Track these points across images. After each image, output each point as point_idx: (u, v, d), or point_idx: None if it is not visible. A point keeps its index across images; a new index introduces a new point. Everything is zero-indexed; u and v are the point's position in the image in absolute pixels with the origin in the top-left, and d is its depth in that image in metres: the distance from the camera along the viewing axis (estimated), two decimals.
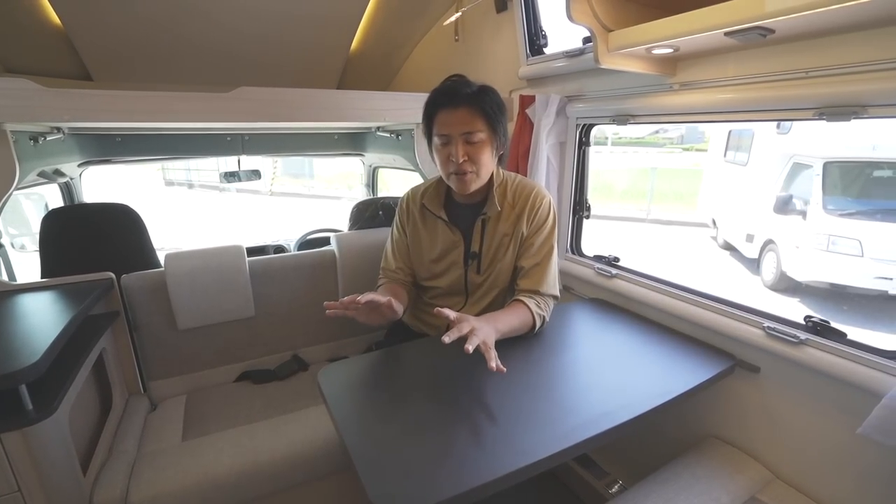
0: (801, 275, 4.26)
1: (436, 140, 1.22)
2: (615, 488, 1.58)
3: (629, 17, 1.14)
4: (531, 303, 1.23)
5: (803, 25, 0.89)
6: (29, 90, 1.18)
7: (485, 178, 1.25)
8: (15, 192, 1.33)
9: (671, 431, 1.40)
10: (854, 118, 0.91)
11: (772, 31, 0.89)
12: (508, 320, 1.17)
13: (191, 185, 12.63)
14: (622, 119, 1.46)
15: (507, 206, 1.30)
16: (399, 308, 1.26)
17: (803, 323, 1.10)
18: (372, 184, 2.99)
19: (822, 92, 0.95)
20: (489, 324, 1.07)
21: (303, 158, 10.19)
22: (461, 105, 1.17)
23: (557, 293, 1.31)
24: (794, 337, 1.07)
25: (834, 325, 1.05)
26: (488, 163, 1.22)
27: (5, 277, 1.33)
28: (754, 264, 5.00)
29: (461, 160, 1.18)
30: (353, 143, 2.66)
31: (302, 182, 12.44)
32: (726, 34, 0.92)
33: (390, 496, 0.72)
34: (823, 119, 0.95)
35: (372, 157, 2.81)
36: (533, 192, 1.30)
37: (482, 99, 1.17)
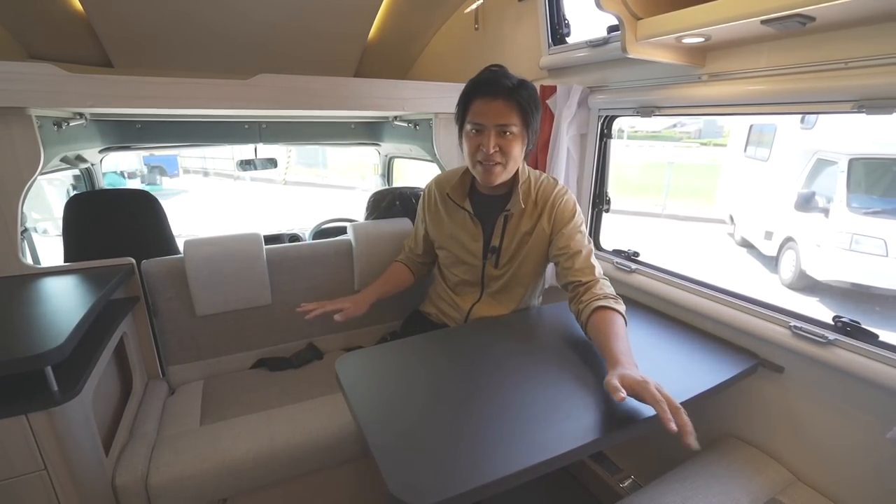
0: (821, 274, 4.16)
1: (468, 127, 1.22)
2: (627, 484, 1.57)
3: (659, 4, 1.10)
4: (609, 302, 1.13)
5: (845, 13, 0.85)
6: (54, 76, 1.18)
7: (512, 171, 1.26)
8: (38, 178, 1.35)
9: None
10: None
11: (812, 18, 0.85)
12: (625, 341, 1.03)
13: (206, 174, 12.78)
14: (646, 111, 1.42)
15: (530, 203, 1.30)
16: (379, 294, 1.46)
17: (832, 323, 1.07)
18: (388, 174, 2.98)
19: (862, 83, 0.91)
20: (632, 366, 0.94)
21: (317, 148, 10.22)
22: (499, 96, 1.17)
23: (602, 271, 1.25)
24: (823, 337, 1.04)
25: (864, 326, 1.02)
26: (518, 157, 1.23)
27: (30, 261, 1.35)
28: (772, 262, 4.90)
29: (492, 151, 1.19)
30: (369, 132, 2.65)
31: (315, 171, 12.50)
32: (763, 22, 0.89)
33: (408, 486, 0.72)
34: (863, 112, 0.92)
35: (388, 147, 2.80)
36: (555, 191, 1.30)
37: (520, 93, 1.17)
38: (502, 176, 1.24)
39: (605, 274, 1.25)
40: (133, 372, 1.42)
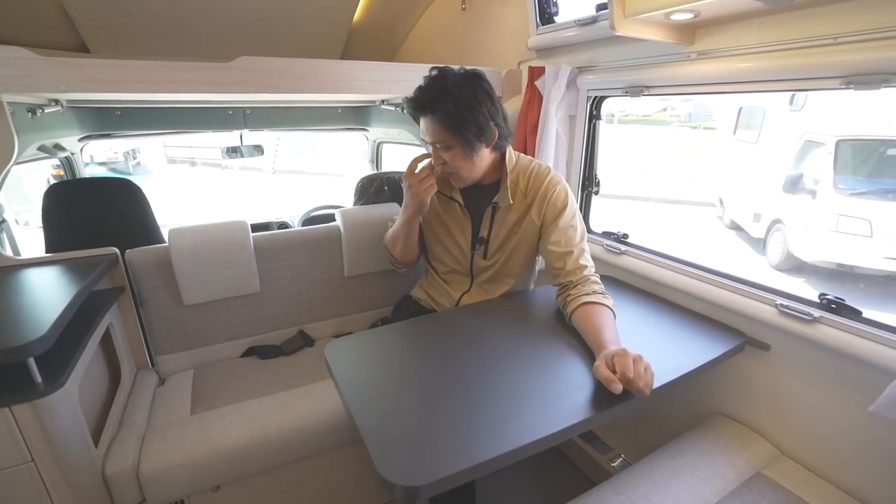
0: (807, 255, 4.21)
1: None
2: (618, 463, 1.60)
3: None
4: (598, 297, 1.14)
5: None
6: (24, 59, 1.14)
7: (470, 177, 1.25)
8: (16, 168, 1.31)
9: (676, 408, 1.40)
10: (885, 86, 0.87)
11: None
12: (612, 331, 1.04)
13: (193, 163, 12.56)
14: (635, 91, 1.41)
15: (518, 194, 1.27)
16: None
17: (817, 301, 1.08)
18: (376, 159, 2.95)
19: (850, 59, 0.90)
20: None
21: (306, 135, 10.08)
22: (426, 114, 1.17)
23: (594, 268, 1.24)
24: (808, 314, 1.05)
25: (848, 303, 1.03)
26: (465, 165, 1.21)
27: (9, 252, 1.32)
28: (760, 244, 4.95)
29: (439, 165, 1.22)
30: (356, 117, 2.61)
31: (305, 159, 12.34)
32: None
33: (399, 470, 0.72)
34: (851, 88, 0.91)
35: (376, 132, 2.76)
36: (546, 181, 1.26)
37: (438, 109, 1.14)
38: (462, 182, 1.26)
39: (594, 256, 1.24)
40: (121, 363, 1.40)
